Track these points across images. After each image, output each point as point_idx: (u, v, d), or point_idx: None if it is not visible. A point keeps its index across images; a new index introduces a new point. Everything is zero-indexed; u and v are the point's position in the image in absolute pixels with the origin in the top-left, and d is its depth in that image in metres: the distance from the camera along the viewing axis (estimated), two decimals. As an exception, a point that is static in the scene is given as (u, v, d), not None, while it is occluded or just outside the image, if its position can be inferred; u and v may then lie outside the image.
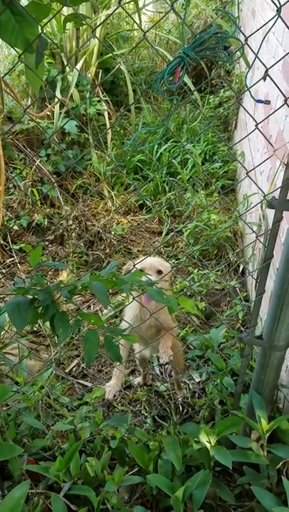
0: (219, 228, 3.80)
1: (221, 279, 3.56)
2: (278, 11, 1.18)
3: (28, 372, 2.33)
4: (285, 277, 1.55)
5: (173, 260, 3.81)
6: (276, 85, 1.29)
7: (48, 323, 1.51)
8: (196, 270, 3.58)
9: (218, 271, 3.64)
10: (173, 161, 4.67)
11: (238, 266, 3.64)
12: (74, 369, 2.83)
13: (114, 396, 2.15)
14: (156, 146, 4.80)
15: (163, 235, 4.18)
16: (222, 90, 5.46)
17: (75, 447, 1.84)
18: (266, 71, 1.15)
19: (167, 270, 2.08)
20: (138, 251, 4.03)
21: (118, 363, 1.95)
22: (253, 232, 1.77)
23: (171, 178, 4.66)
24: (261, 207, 2.88)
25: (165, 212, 4.37)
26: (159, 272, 2.04)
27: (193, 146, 4.87)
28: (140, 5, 5.43)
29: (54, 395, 2.29)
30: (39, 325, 3.00)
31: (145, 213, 4.51)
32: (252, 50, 1.19)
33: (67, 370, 2.80)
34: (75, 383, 2.70)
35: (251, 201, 3.55)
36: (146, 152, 4.75)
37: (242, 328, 3.00)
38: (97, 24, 4.84)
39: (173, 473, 1.83)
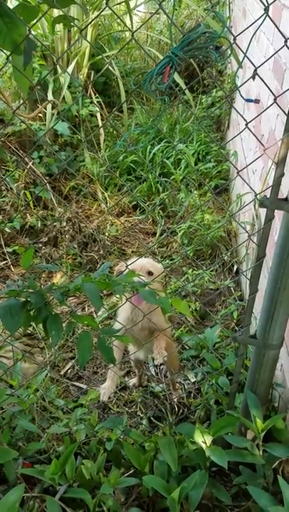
0: (213, 228, 3.80)
1: (215, 279, 3.56)
2: (266, 9, 1.18)
3: (23, 375, 2.31)
4: (277, 276, 1.55)
5: (167, 260, 3.80)
6: (266, 85, 1.29)
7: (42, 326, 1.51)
8: (191, 270, 3.58)
9: (212, 271, 3.64)
10: (166, 161, 4.67)
11: (232, 265, 3.64)
12: (69, 371, 2.82)
13: (110, 398, 2.14)
14: (149, 147, 4.80)
15: (157, 235, 4.17)
16: (214, 90, 5.47)
17: (70, 450, 1.83)
18: (255, 70, 1.15)
19: (159, 271, 2.08)
20: (132, 252, 4.02)
21: (112, 365, 1.95)
22: (246, 231, 1.77)
23: (164, 179, 4.65)
24: (254, 206, 2.88)
25: (159, 212, 4.37)
26: (150, 273, 2.04)
27: (186, 146, 4.87)
28: (132, 5, 5.44)
29: (49, 398, 2.28)
30: (33, 327, 2.99)
31: (139, 214, 4.50)
32: (241, 50, 1.19)
33: (62, 373, 2.79)
34: (70, 385, 2.69)
35: (244, 200, 3.55)
36: (137, 153, 4.75)
37: (236, 328, 3.01)
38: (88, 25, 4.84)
39: (169, 474, 1.82)
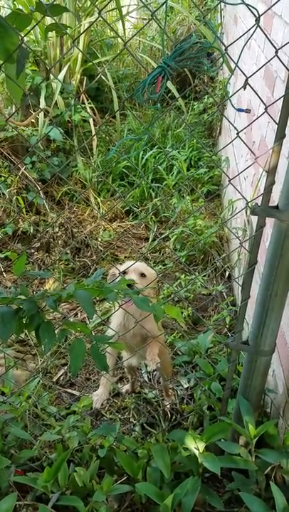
0: (205, 234, 3.81)
1: (207, 284, 3.57)
2: (257, 20, 1.20)
3: (15, 382, 2.30)
4: (269, 282, 1.56)
5: (160, 266, 3.81)
6: (256, 94, 1.30)
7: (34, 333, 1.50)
8: (183, 275, 3.59)
9: (204, 276, 3.65)
10: (158, 167, 4.69)
11: (225, 270, 3.66)
12: (61, 378, 2.81)
13: (102, 405, 2.14)
14: (141, 152, 4.82)
15: (150, 240, 4.18)
16: (206, 96, 5.50)
17: (62, 457, 1.82)
18: (246, 80, 1.17)
19: (151, 276, 2.08)
20: (125, 257, 4.03)
21: (105, 372, 1.95)
22: (238, 238, 1.78)
23: (157, 184, 4.67)
24: (246, 212, 2.90)
25: (151, 218, 4.38)
26: (143, 275, 2.04)
27: (179, 152, 4.89)
28: (124, 12, 5.46)
29: (41, 405, 2.27)
30: (25, 334, 2.97)
31: (132, 219, 4.51)
32: (232, 59, 1.20)
33: (54, 379, 2.78)
34: (62, 392, 2.68)
35: (236, 206, 3.57)
36: (130, 161, 4.76)
37: (229, 333, 3.01)
38: (80, 32, 4.85)
39: (162, 481, 1.82)
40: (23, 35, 1.24)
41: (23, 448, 2.03)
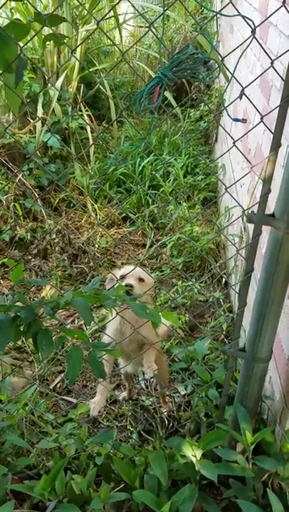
0: (202, 240, 3.83)
1: (204, 291, 3.58)
2: (253, 31, 1.21)
3: (12, 389, 2.30)
4: (265, 289, 1.57)
5: (157, 272, 3.82)
6: (252, 104, 1.32)
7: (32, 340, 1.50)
8: (180, 282, 3.60)
9: (201, 282, 3.66)
10: (155, 174, 4.71)
11: (221, 277, 3.67)
12: (58, 385, 2.80)
13: (99, 412, 2.13)
14: (138, 160, 4.84)
15: (147, 247, 4.19)
16: (202, 104, 5.54)
17: (60, 465, 1.82)
18: (242, 90, 1.18)
19: (149, 281, 2.09)
20: (122, 263, 4.03)
21: (102, 379, 1.94)
22: (234, 245, 1.79)
23: (153, 191, 4.68)
24: (242, 219, 2.92)
25: (148, 224, 4.39)
26: (141, 280, 2.04)
27: (175, 159, 4.92)
28: (120, 20, 5.51)
29: (38, 412, 2.26)
30: (22, 341, 2.97)
31: (129, 226, 4.52)
32: (229, 71, 1.22)
33: (51, 387, 2.77)
34: (59, 400, 2.67)
35: (233, 213, 3.59)
36: (127, 169, 4.78)
37: (226, 340, 3.02)
38: (78, 40, 4.89)
39: (159, 489, 1.82)
40: (21, 45, 1.25)
41: (20, 456, 2.03)
